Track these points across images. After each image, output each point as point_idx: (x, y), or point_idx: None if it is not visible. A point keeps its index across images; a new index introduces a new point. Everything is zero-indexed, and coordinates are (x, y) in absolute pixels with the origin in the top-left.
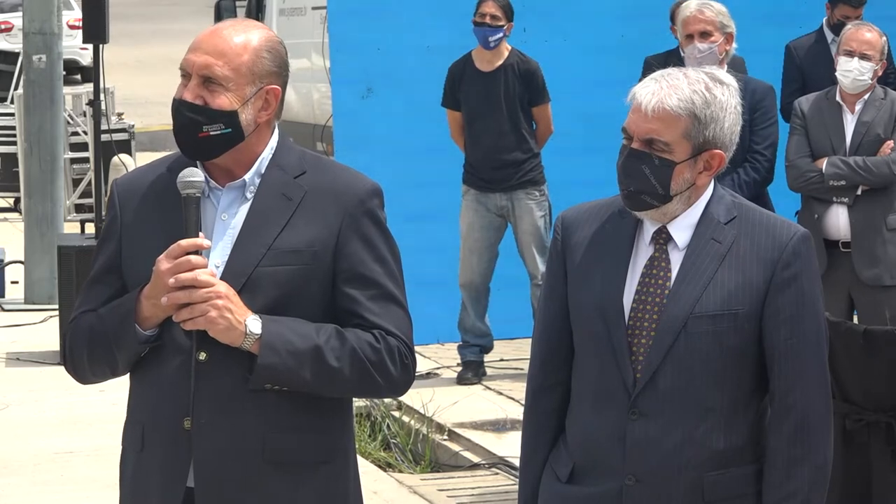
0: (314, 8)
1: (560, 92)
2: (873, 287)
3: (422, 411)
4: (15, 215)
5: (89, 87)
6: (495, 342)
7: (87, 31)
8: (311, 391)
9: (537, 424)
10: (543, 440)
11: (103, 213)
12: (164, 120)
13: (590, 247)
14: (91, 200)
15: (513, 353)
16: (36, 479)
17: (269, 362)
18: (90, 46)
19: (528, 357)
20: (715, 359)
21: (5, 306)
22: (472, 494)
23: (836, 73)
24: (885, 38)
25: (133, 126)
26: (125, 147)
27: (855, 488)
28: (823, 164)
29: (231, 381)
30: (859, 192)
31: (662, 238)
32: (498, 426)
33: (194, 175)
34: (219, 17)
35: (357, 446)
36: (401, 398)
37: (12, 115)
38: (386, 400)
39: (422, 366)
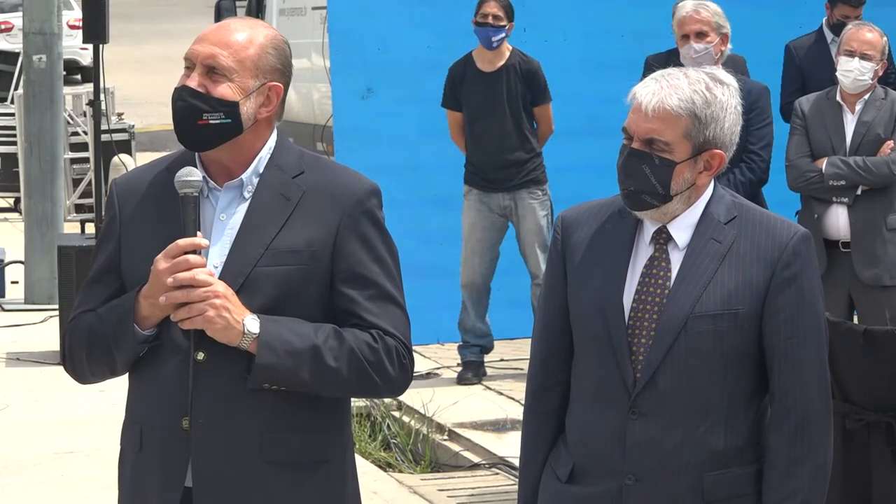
0: (314, 8)
1: (560, 92)
2: (873, 287)
3: (422, 411)
4: (15, 215)
5: (89, 87)
6: (495, 342)
7: (87, 31)
8: (309, 391)
9: (537, 424)
10: (543, 440)
11: (103, 213)
12: (164, 120)
13: (590, 247)
14: (91, 200)
15: (513, 353)
16: (36, 479)
17: (266, 362)
18: (90, 46)
19: (529, 357)
20: (715, 359)
21: (5, 306)
22: (472, 494)
23: (837, 73)
24: (885, 39)
25: (133, 126)
26: (125, 147)
27: (855, 488)
28: (823, 164)
29: (229, 380)
30: (859, 192)
31: (662, 238)
32: (498, 426)
33: (192, 174)
34: (219, 16)
35: (357, 446)
36: (401, 398)
37: (12, 115)
38: (386, 400)
39: (422, 366)
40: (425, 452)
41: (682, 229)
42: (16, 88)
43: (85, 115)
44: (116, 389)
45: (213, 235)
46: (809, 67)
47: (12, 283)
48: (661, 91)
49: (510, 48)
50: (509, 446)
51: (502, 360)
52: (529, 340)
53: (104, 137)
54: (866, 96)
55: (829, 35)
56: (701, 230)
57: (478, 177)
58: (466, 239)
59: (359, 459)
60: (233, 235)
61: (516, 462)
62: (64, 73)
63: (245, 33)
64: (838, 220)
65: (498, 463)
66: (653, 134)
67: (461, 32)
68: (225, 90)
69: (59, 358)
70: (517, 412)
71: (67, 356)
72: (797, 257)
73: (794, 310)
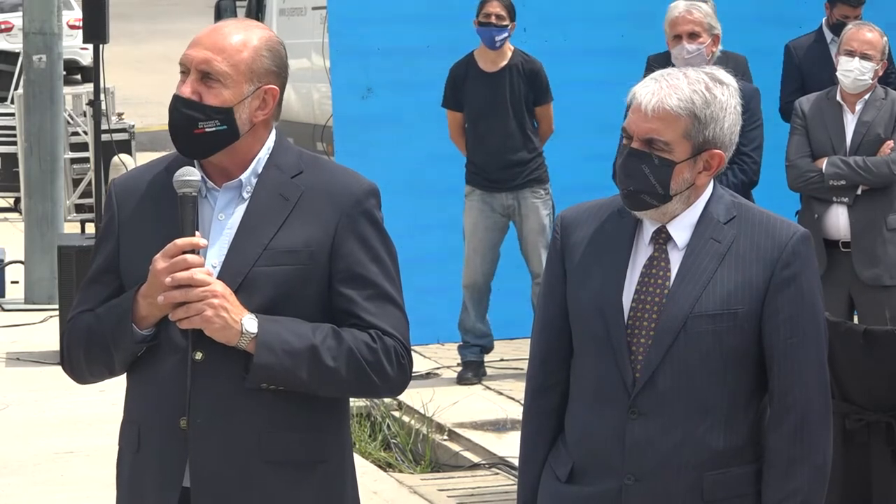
0: (314, 8)
1: (560, 91)
2: (873, 287)
3: (422, 411)
4: (15, 215)
5: (89, 87)
6: (495, 342)
7: (87, 31)
8: (308, 391)
9: (536, 424)
10: (543, 440)
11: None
12: (164, 120)
13: (589, 246)
14: (91, 200)
15: (513, 353)
16: (36, 479)
17: (265, 361)
18: (90, 46)
19: (528, 357)
20: (714, 358)
21: (5, 306)
22: (472, 494)
23: (837, 73)
24: (885, 39)
25: (133, 126)
26: (125, 147)
27: (855, 488)
28: (823, 163)
29: (227, 380)
30: (859, 191)
31: (662, 238)
32: (498, 426)
33: (190, 174)
34: (219, 16)
35: (357, 446)
36: (401, 398)
37: (12, 115)
38: (386, 400)
39: (422, 366)
40: (425, 452)
41: (681, 229)
42: (16, 88)
43: (85, 115)
44: (116, 389)
45: (211, 235)
46: (809, 67)
47: (12, 283)
48: (660, 91)
49: (512, 48)
50: (509, 446)
51: (502, 360)
52: (529, 340)
53: (104, 137)
54: (866, 96)
55: (828, 35)
56: (700, 230)
57: (480, 177)
58: (469, 239)
59: (359, 459)
60: (231, 236)
61: (516, 462)
62: (64, 73)
63: (239, 36)
64: (838, 219)
65: (498, 463)
66: (652, 134)
67: (461, 32)
68: (219, 97)
69: (58, 358)
70: (517, 412)
71: (66, 356)
72: (797, 257)
73: (793, 309)
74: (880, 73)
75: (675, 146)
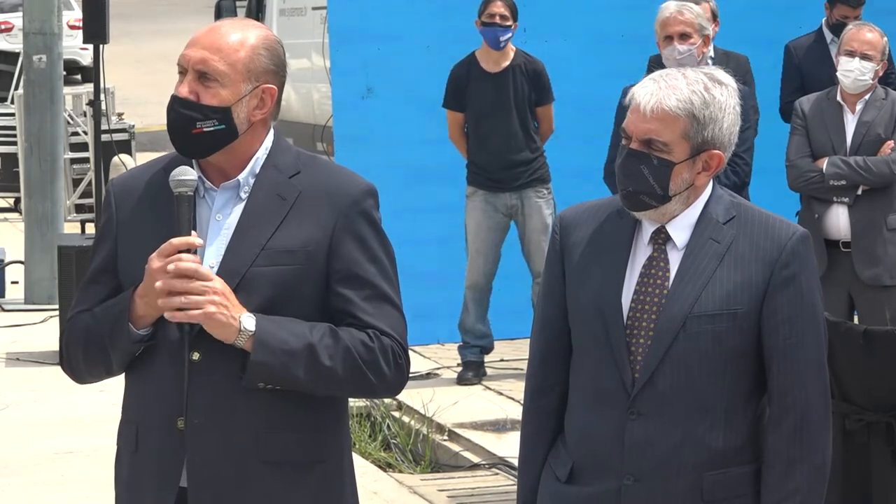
0: (314, 8)
1: (560, 91)
2: (873, 287)
3: (422, 411)
4: (15, 215)
5: (89, 87)
6: (495, 342)
7: (88, 31)
8: (305, 390)
9: (536, 424)
10: (542, 440)
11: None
12: (163, 120)
13: (588, 246)
14: (91, 200)
15: (513, 353)
16: (36, 479)
17: (262, 360)
18: (90, 46)
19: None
20: (714, 359)
21: (5, 306)
22: (472, 495)
23: (837, 73)
24: (885, 39)
25: (133, 126)
26: (125, 147)
27: (855, 488)
28: (824, 163)
29: (225, 380)
30: (859, 191)
31: (661, 238)
32: (498, 426)
33: (186, 174)
34: (219, 16)
35: (357, 446)
36: (401, 398)
37: (12, 115)
38: (386, 400)
39: (422, 366)
40: (425, 453)
41: (680, 229)
42: (16, 88)
43: (85, 115)
44: (116, 389)
45: (209, 236)
46: (809, 68)
47: (12, 283)
48: (659, 91)
49: (514, 48)
50: (509, 446)
51: (502, 360)
52: (529, 340)
53: (104, 137)
54: (866, 96)
55: (828, 35)
56: (699, 230)
57: (483, 177)
58: (471, 240)
59: (359, 459)
60: (228, 236)
61: (516, 462)
62: (64, 73)
63: (236, 36)
64: (839, 219)
65: (498, 463)
66: (651, 134)
67: (461, 32)
68: (217, 97)
69: (58, 358)
70: (517, 412)
71: (65, 356)
72: (796, 257)
73: (792, 310)
74: (880, 74)
75: (674, 147)
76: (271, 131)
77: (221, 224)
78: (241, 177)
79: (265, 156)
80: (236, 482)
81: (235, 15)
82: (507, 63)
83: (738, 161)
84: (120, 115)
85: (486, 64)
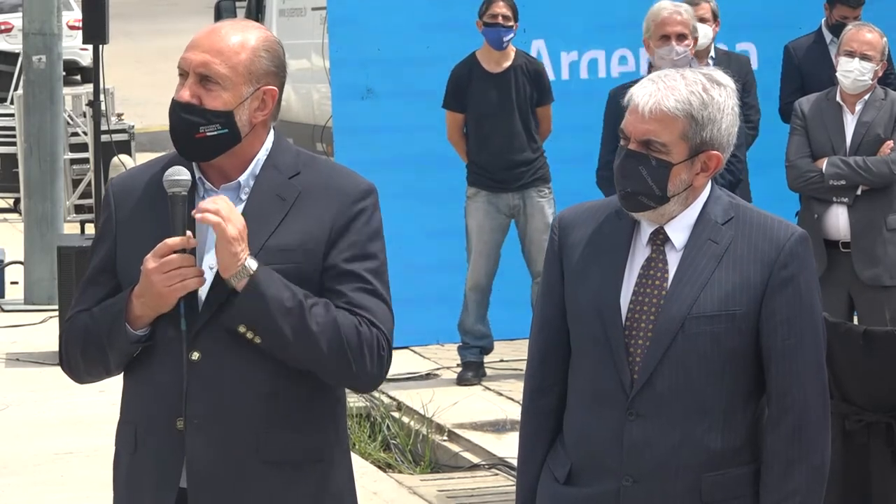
0: (314, 9)
1: (560, 92)
2: (873, 287)
3: (422, 412)
4: (15, 215)
5: (89, 87)
6: (495, 343)
7: (87, 32)
8: (283, 351)
9: (535, 425)
10: (541, 440)
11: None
12: (164, 120)
13: (587, 247)
14: (91, 201)
15: (513, 353)
16: (36, 480)
17: (252, 298)
18: (90, 47)
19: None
20: (712, 359)
21: (5, 306)
22: (472, 495)
23: (837, 74)
24: (885, 39)
25: (133, 126)
26: (125, 147)
27: (855, 489)
28: (823, 164)
29: (224, 380)
30: (859, 192)
31: (660, 239)
32: (498, 427)
33: (180, 174)
34: (218, 17)
35: (357, 447)
36: (400, 398)
37: (12, 115)
38: (385, 400)
39: (422, 366)
40: (425, 453)
41: (679, 230)
42: (16, 89)
43: (85, 116)
44: (116, 389)
45: (208, 237)
46: (808, 68)
47: (12, 283)
48: (657, 92)
49: (514, 49)
50: (509, 447)
51: (502, 360)
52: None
53: (104, 138)
54: (866, 97)
55: (828, 36)
56: (698, 231)
57: (484, 178)
58: (474, 241)
59: (358, 460)
60: None
61: (516, 462)
62: (64, 73)
63: (237, 38)
64: (838, 220)
65: (497, 463)
66: (650, 135)
67: (461, 32)
68: (219, 100)
69: (58, 358)
70: (517, 413)
71: (64, 356)
72: (794, 258)
73: (791, 311)
74: (880, 74)
75: (673, 147)
76: (272, 132)
77: None
78: (241, 178)
79: (265, 156)
80: (236, 482)
81: (235, 15)
82: (508, 63)
83: (732, 160)
84: (119, 115)
85: (488, 64)
